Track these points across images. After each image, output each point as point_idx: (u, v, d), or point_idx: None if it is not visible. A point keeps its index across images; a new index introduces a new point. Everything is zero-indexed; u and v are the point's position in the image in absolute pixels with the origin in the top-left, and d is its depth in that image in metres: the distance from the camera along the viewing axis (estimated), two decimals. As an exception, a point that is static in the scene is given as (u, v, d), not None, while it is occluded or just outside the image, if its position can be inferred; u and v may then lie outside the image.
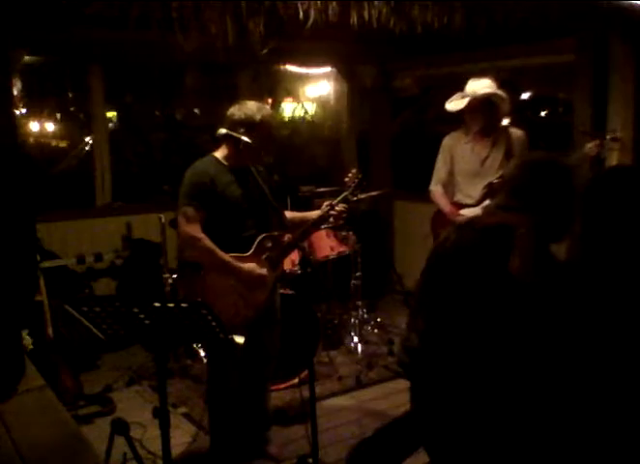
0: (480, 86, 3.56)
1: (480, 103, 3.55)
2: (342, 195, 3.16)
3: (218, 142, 3.00)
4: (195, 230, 2.83)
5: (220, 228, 2.90)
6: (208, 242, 2.84)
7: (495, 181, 3.54)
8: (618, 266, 1.65)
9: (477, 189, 3.66)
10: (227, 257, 2.87)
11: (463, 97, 3.60)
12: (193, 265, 2.99)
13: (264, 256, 2.98)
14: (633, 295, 1.60)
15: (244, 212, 2.94)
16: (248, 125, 2.84)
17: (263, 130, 2.87)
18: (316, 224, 3.15)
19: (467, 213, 3.55)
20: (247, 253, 2.94)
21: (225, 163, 2.93)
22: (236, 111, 2.89)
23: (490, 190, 3.56)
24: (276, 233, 3.04)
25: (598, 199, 1.73)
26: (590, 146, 3.53)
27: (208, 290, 2.90)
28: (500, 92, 3.57)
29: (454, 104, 3.63)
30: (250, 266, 2.91)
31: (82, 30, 4.28)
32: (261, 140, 2.87)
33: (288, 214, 3.23)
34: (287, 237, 3.08)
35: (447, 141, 3.85)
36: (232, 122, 2.88)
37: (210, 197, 2.84)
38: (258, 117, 2.84)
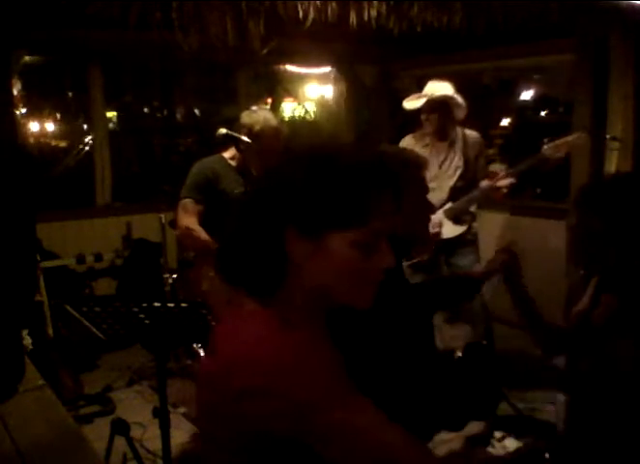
0: (439, 88, 3.55)
1: (437, 105, 3.53)
2: None
3: (220, 142, 3.04)
4: (191, 222, 2.89)
5: (219, 224, 2.93)
6: (202, 234, 2.88)
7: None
8: None
9: (435, 193, 3.51)
10: None
11: (420, 97, 3.59)
12: (193, 264, 3.01)
13: None
14: None
15: None
16: (248, 131, 2.93)
17: (260, 141, 2.91)
18: None
19: None
20: None
21: (232, 164, 2.99)
22: (244, 115, 3.01)
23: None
24: None
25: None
26: (548, 147, 3.28)
27: (201, 281, 2.93)
28: (457, 97, 3.54)
29: (411, 104, 3.61)
30: None
31: (82, 30, 4.28)
32: (259, 149, 2.91)
33: None
34: None
35: (402, 144, 3.73)
36: (239, 126, 2.97)
37: (210, 192, 2.89)
38: (257, 128, 2.93)
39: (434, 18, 3.81)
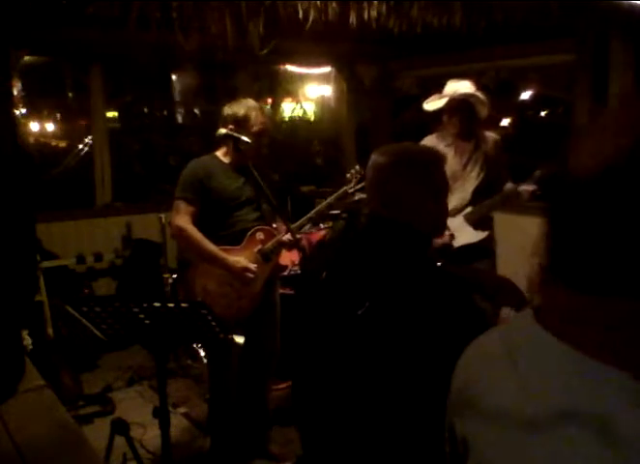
0: (460, 87, 3.45)
1: (459, 104, 3.42)
2: (341, 190, 3.18)
3: (218, 143, 3.04)
4: (184, 221, 2.90)
5: (215, 222, 2.95)
6: (195, 233, 2.89)
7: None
8: None
9: (455, 196, 3.45)
10: (214, 248, 2.91)
11: (441, 97, 3.49)
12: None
13: (256, 249, 3.00)
14: None
15: (239, 207, 2.97)
16: (234, 121, 2.91)
17: (248, 123, 2.90)
18: (313, 220, 3.19)
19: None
20: (239, 246, 2.98)
21: (225, 162, 2.99)
22: (226, 109, 2.97)
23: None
24: (269, 227, 3.07)
25: None
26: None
27: (199, 280, 2.95)
28: (479, 94, 3.43)
29: (432, 104, 3.50)
30: (236, 258, 2.94)
31: (82, 30, 4.29)
32: (251, 134, 2.90)
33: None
34: (281, 230, 3.09)
35: (424, 144, 3.57)
36: (224, 120, 2.95)
37: (203, 191, 2.91)
38: (242, 112, 2.91)
39: (434, 18, 3.81)
